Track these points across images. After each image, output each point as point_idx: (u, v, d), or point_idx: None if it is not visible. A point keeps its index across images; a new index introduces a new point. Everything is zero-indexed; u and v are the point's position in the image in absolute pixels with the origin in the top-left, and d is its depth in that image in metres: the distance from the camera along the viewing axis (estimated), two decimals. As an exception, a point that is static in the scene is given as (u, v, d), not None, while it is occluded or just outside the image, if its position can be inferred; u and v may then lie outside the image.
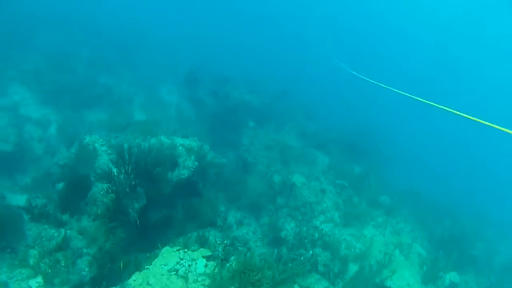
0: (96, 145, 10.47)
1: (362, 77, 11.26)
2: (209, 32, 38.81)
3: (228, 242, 8.19)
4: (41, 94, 16.74)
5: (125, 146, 8.56)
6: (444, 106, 5.65)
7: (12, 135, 12.28)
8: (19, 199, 11.12)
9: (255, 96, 20.27)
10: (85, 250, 7.90)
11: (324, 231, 12.87)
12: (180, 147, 11.07)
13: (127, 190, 7.88)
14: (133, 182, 8.13)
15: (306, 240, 12.25)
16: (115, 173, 7.90)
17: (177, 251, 7.25)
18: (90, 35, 26.33)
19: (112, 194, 7.69)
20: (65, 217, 8.41)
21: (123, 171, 8.03)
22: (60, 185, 10.53)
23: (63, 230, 7.79)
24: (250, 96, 20.13)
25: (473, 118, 4.73)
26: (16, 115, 14.80)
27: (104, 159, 9.77)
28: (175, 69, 26.89)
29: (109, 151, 10.41)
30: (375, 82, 9.55)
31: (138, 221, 8.18)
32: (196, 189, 11.41)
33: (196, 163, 10.88)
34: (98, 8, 31.59)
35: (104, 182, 7.81)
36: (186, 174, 10.06)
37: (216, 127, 18.71)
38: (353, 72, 13.45)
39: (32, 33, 22.08)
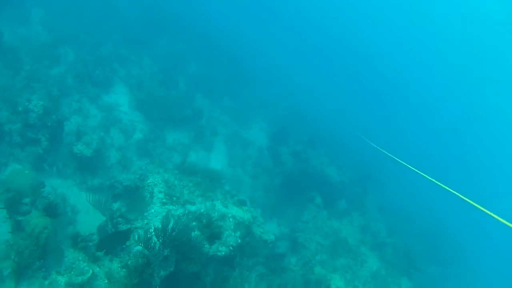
0: (155, 189, 11.67)
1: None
2: (319, 83, 39.95)
3: None
4: (138, 101, 18.84)
5: (172, 220, 9.49)
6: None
7: (95, 141, 14.09)
8: (82, 196, 13.03)
9: (335, 171, 20.41)
10: (104, 294, 8.96)
11: None
12: (231, 219, 11.79)
13: (159, 258, 8.79)
14: (166, 253, 9.03)
15: None
16: (153, 241, 8.86)
17: None
18: (203, 48, 28.71)
19: (144, 259, 8.67)
20: (100, 253, 9.60)
21: (160, 241, 8.96)
22: (116, 205, 12.02)
23: (91, 270, 8.93)
24: (330, 169, 20.30)
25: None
26: (108, 116, 16.88)
27: (155, 210, 10.93)
28: (272, 108, 28.23)
29: (164, 200, 11.54)
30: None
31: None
32: (231, 261, 12.06)
33: (239, 240, 11.49)
34: (218, 23, 34.24)
35: (141, 245, 8.81)
36: (223, 253, 10.71)
37: (284, 191, 19.28)
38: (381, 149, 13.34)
39: (155, 38, 24.93)
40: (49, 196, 9.79)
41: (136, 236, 9.08)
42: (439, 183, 8.06)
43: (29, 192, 9.35)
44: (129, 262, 9.20)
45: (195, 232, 10.53)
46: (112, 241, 9.62)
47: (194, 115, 20.97)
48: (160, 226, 9.18)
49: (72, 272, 8.82)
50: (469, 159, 46.22)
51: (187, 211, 11.35)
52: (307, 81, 38.04)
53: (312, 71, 41.83)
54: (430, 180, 8.56)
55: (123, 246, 9.66)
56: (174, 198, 11.84)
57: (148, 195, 11.47)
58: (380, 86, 49.73)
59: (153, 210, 10.84)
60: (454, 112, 55.75)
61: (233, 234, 11.40)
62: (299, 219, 17.74)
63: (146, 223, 10.24)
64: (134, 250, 9.25)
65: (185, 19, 29.52)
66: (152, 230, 9.20)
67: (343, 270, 15.99)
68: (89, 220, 12.55)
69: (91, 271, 8.92)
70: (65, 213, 12.17)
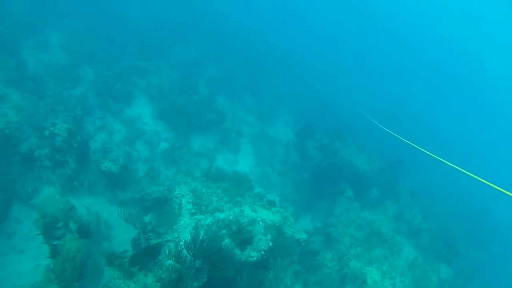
0: (183, 200, 11.88)
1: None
2: (340, 70, 39.38)
3: None
4: (160, 111, 19.13)
5: (202, 231, 9.65)
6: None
7: (121, 156, 14.45)
8: (114, 211, 13.40)
9: (364, 161, 20.08)
10: (141, 310, 9.24)
11: None
12: (260, 223, 11.86)
13: (192, 271, 8.94)
14: (198, 265, 9.18)
15: None
16: (184, 255, 9.04)
17: None
18: (220, 49, 28.74)
19: (177, 273, 8.86)
20: (135, 269, 9.88)
21: (191, 253, 9.12)
22: (147, 218, 12.28)
23: (127, 288, 9.23)
24: (359, 159, 20.00)
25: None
26: (132, 130, 17.24)
27: (185, 221, 11.13)
28: (295, 101, 28.07)
29: (193, 210, 11.73)
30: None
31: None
32: (265, 264, 12.14)
33: (270, 243, 11.54)
34: (233, 22, 34.17)
35: (172, 259, 9.01)
36: (255, 258, 10.79)
37: (314, 186, 19.22)
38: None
39: (171, 46, 25.21)
40: (81, 217, 10.17)
41: (167, 251, 9.29)
42: (465, 171, 7.79)
43: (61, 216, 9.74)
44: (163, 276, 9.42)
45: (226, 240, 10.67)
46: (145, 256, 9.87)
47: (218, 118, 21.05)
48: (189, 239, 9.34)
49: (109, 291, 9.12)
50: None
51: (216, 219, 11.49)
52: (328, 69, 37.59)
53: (332, 59, 41.30)
54: (455, 168, 8.30)
55: (156, 260, 9.90)
56: (203, 207, 12.01)
57: (177, 207, 11.69)
58: (405, 70, 48.49)
59: (182, 222, 11.05)
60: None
61: (263, 238, 11.46)
62: (331, 213, 17.60)
63: (177, 237, 10.43)
64: (167, 264, 9.46)
65: (198, 22, 29.68)
66: (182, 243, 9.39)
67: (379, 262, 15.81)
68: (122, 233, 12.93)
69: (126, 288, 9.19)
70: (100, 230, 12.56)
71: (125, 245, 12.08)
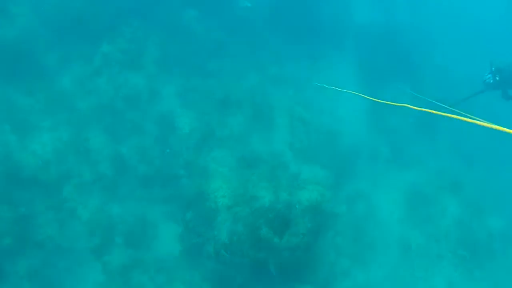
0: (218, 194, 12.37)
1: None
2: None
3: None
4: (187, 97, 19.36)
5: (239, 226, 10.13)
6: None
7: (156, 158, 15.11)
8: (155, 209, 14.15)
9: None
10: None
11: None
12: (297, 206, 12.15)
13: (232, 270, 9.52)
14: (237, 261, 9.72)
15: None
16: (222, 254, 9.59)
17: None
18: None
19: (218, 273, 9.47)
20: (180, 270, 10.62)
21: (229, 252, 9.65)
22: (188, 214, 12.94)
23: (177, 291, 9.99)
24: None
25: None
26: (163, 126, 17.71)
27: (222, 217, 11.63)
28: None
29: (229, 203, 12.19)
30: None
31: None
32: (306, 245, 12.47)
33: (309, 225, 11.85)
34: None
35: (211, 260, 9.60)
36: (294, 242, 11.19)
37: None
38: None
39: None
40: (126, 229, 10.99)
41: (205, 252, 9.86)
42: None
43: (106, 232, 10.55)
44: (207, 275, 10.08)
45: (263, 230, 11.06)
46: (188, 255, 10.55)
47: (246, 95, 20.81)
48: (226, 237, 9.83)
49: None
50: None
51: (252, 209, 11.83)
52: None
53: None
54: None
55: (200, 260, 10.56)
56: (239, 198, 12.37)
57: (213, 204, 12.14)
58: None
59: (220, 218, 11.52)
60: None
61: (301, 220, 11.74)
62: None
63: (216, 234, 10.95)
64: (208, 264, 10.08)
65: None
66: (220, 243, 9.91)
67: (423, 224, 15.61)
68: (169, 231, 13.58)
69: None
70: (146, 232, 13.31)
71: (173, 242, 12.80)
